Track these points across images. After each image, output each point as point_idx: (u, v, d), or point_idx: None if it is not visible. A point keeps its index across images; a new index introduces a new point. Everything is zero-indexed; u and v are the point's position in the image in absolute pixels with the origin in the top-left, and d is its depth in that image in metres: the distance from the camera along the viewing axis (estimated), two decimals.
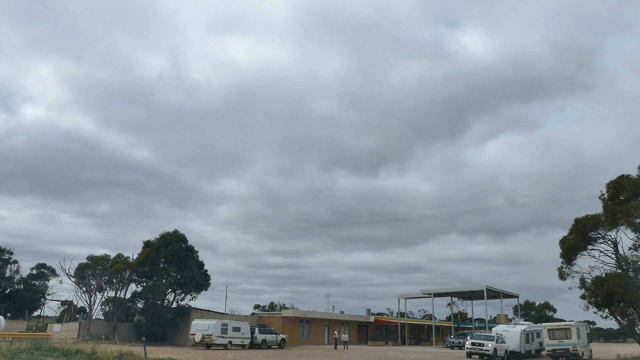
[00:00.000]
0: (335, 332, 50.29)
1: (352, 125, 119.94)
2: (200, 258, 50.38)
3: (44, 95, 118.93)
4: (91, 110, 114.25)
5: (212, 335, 39.02)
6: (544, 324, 39.39)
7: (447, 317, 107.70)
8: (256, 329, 45.10)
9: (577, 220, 35.37)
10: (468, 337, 56.67)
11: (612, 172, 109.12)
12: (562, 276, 36.81)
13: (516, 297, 65.87)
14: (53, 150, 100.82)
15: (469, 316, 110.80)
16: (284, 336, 47.64)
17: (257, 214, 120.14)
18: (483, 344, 34.69)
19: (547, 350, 36.82)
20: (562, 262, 36.37)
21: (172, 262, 47.26)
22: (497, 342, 35.53)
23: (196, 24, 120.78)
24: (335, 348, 46.41)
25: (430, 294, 62.16)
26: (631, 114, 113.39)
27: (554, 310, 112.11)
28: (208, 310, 50.21)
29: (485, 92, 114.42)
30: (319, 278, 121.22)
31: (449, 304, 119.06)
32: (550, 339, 37.02)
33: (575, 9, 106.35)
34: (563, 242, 36.05)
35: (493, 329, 40.31)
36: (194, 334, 39.60)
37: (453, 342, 53.77)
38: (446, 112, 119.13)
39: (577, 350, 36.62)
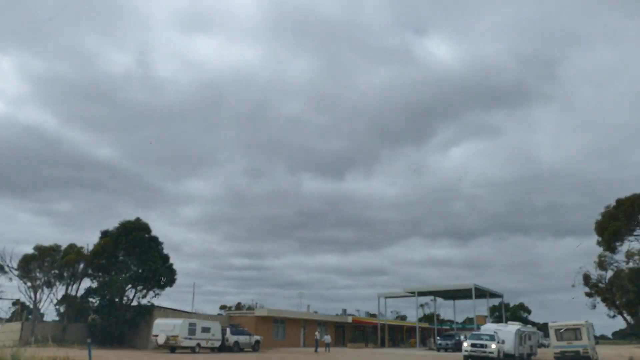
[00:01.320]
0: (316, 333, 45.77)
1: (319, 128, 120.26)
2: (165, 250, 45.11)
3: (2, 89, 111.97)
4: (53, 106, 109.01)
5: (177, 336, 33.97)
6: (550, 323, 35.64)
7: (419, 319, 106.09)
8: (227, 329, 40.23)
9: (621, 202, 31.42)
10: (461, 337, 53.04)
11: (568, 180, 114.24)
12: (603, 266, 33.70)
13: (501, 296, 62.82)
14: (11, 146, 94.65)
15: (440, 317, 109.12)
16: (258, 337, 42.83)
17: (223, 215, 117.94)
18: (485, 345, 30.46)
19: (555, 353, 33.00)
20: (603, 249, 32.38)
21: (133, 254, 41.85)
22: (498, 343, 31.57)
23: (164, 22, 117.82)
24: (316, 351, 41.91)
25: (413, 293, 58.29)
26: (588, 124, 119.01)
27: (529, 312, 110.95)
28: (173, 309, 44.97)
29: (450, 99, 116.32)
30: (284, 280, 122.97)
31: (422, 305, 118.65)
32: (557, 340, 33.33)
33: (538, 21, 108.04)
34: (602, 227, 32.15)
35: (483, 327, 36.07)
36: (157, 335, 34.44)
37: (440, 344, 49.98)
38: (412, 117, 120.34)
39: (588, 352, 33.11)
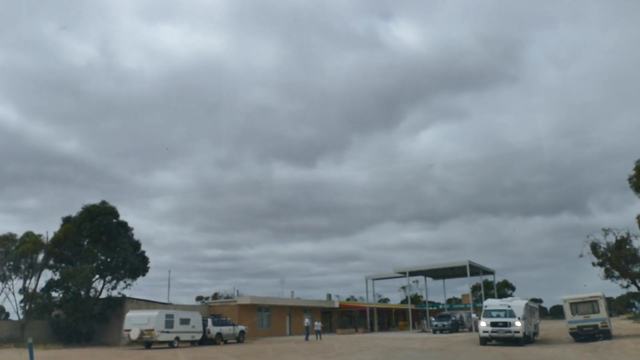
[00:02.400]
0: (306, 320, 42.22)
1: (289, 116, 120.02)
2: (137, 237, 40.83)
3: None
4: (14, 99, 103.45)
5: (153, 330, 29.97)
6: (563, 297, 32.76)
7: (401, 301, 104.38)
8: (209, 320, 36.38)
9: None
10: (472, 315, 50.08)
11: (535, 159, 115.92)
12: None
13: (492, 273, 60.24)
14: None
15: (423, 299, 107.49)
16: (243, 328, 39.13)
17: (194, 207, 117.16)
18: (509, 323, 25.82)
19: (571, 329, 29.98)
20: None
21: (100, 241, 37.47)
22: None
23: (127, 11, 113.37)
24: (307, 339, 38.41)
25: (404, 273, 55.17)
26: (553, 104, 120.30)
27: (513, 288, 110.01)
28: (147, 301, 40.77)
29: (418, 83, 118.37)
30: (259, 269, 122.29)
31: (403, 287, 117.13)
32: (573, 315, 30.44)
33: (501, 4, 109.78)
34: None
35: (487, 303, 30.90)
36: (129, 330, 30.34)
37: (436, 326, 47.05)
38: (381, 102, 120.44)
39: (607, 326, 30.40)
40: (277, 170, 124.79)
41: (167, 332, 30.88)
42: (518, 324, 25.77)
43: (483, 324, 26.46)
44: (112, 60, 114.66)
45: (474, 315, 39.80)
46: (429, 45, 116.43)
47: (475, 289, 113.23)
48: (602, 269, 37.34)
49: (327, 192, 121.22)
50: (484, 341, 26.50)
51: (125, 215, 40.24)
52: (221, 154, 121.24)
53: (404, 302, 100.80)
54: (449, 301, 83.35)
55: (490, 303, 29.91)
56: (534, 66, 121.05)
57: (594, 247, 37.59)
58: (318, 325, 40.41)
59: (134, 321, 30.72)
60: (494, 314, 27.24)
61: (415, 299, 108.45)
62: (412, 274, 55.57)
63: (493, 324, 26.08)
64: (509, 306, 28.39)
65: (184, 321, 32.80)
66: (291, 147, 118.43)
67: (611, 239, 36.90)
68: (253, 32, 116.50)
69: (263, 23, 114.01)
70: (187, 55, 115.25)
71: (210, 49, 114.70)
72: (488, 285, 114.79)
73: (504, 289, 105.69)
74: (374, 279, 61.64)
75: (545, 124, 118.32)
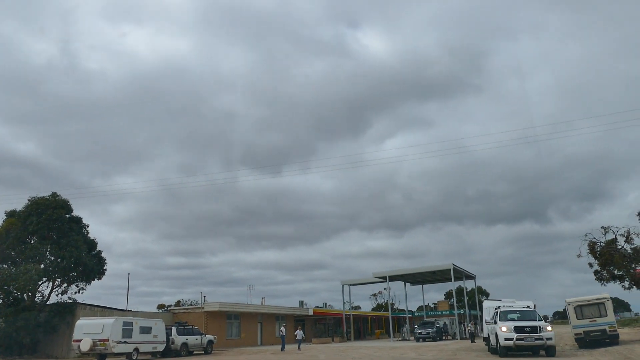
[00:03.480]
0: (282, 328, 38.46)
1: (255, 122, 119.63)
2: (92, 235, 36.37)
3: None
4: None
5: (108, 340, 25.73)
6: (567, 299, 30.08)
7: (372, 308, 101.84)
8: (173, 328, 32.33)
9: None
10: (441, 324, 47.23)
11: (499, 168, 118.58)
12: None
13: (474, 277, 57.74)
14: None
15: (395, 307, 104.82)
16: (211, 337, 35.16)
17: (157, 213, 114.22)
18: (539, 327, 20.25)
19: (576, 334, 27.26)
20: None
21: (48, 238, 32.92)
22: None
23: (89, 11, 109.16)
24: (283, 349, 34.66)
25: (384, 278, 51.98)
26: (515, 113, 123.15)
27: (487, 294, 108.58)
28: (103, 307, 36.25)
29: (385, 91, 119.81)
30: (222, 278, 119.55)
31: (374, 295, 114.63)
32: (578, 319, 27.73)
33: (466, 15, 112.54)
34: None
35: (488, 304, 28.32)
36: (79, 341, 25.98)
37: (420, 333, 43.96)
38: (348, 110, 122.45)
39: (615, 330, 27.81)
40: (242, 177, 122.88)
41: (125, 342, 26.70)
42: (549, 328, 20.61)
43: (503, 329, 20.48)
44: (74, 61, 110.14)
45: (489, 322, 36.99)
46: (396, 55, 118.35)
47: (448, 295, 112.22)
48: (593, 270, 35.34)
49: (293, 200, 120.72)
50: (506, 351, 20.72)
51: (84, 221, 36.10)
52: (185, 160, 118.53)
53: (375, 309, 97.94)
54: (420, 309, 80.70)
55: (488, 305, 27.19)
56: (498, 77, 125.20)
57: (592, 246, 35.26)
58: (300, 333, 36.78)
59: (86, 330, 26.40)
60: (512, 316, 22.16)
61: (386, 307, 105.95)
62: (392, 278, 52.42)
63: (518, 329, 20.28)
64: (528, 306, 25.24)
65: (145, 330, 28.66)
66: (257, 153, 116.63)
67: (611, 237, 34.71)
68: (220, 36, 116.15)
69: (230, 28, 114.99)
70: (152, 58, 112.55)
71: (176, 52, 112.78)
72: (461, 292, 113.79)
73: (477, 296, 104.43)
74: (350, 285, 58.26)
75: (508, 132, 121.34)
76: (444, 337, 47.16)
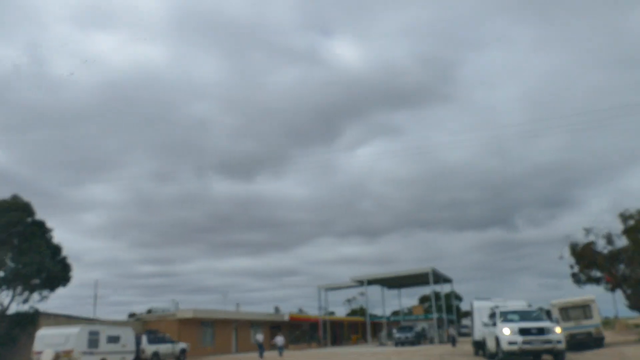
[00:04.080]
0: (259, 335, 37.07)
1: (228, 129, 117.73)
2: (57, 240, 34.34)
3: None
4: None
5: (72, 351, 24.03)
6: (552, 301, 29.59)
7: (346, 314, 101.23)
8: (143, 337, 30.70)
9: None
10: (420, 328, 46.38)
11: (469, 176, 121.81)
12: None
13: (450, 281, 57.30)
14: None
15: (369, 312, 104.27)
16: (184, 345, 33.59)
17: (128, 221, 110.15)
18: (547, 329, 17.69)
19: None
20: None
21: (8, 243, 30.82)
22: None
23: (58, 16, 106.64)
24: (261, 356, 33.28)
25: (362, 282, 51.01)
26: (483, 123, 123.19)
27: (460, 299, 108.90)
28: (67, 316, 34.25)
29: (357, 100, 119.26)
30: (195, 286, 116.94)
31: (348, 300, 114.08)
32: (564, 321, 27.24)
33: (436, 26, 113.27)
34: None
35: (477, 305, 25.16)
36: (40, 352, 24.19)
37: (399, 338, 43.10)
38: (321, 118, 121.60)
39: (601, 333, 27.39)
40: (215, 184, 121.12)
41: (91, 353, 25.01)
42: (558, 330, 18.03)
43: (506, 331, 17.75)
44: (42, 68, 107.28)
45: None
46: (368, 64, 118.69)
47: (422, 300, 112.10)
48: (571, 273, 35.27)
49: (266, 207, 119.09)
50: (509, 357, 17.94)
51: (54, 230, 34.31)
52: (157, 167, 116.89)
53: (349, 315, 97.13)
54: (396, 313, 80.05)
55: (480, 306, 24.59)
56: (467, 86, 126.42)
57: (574, 248, 34.96)
58: (280, 340, 35.47)
59: (48, 340, 24.63)
60: (513, 317, 19.26)
61: (360, 312, 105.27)
62: (370, 282, 51.50)
63: (524, 332, 17.50)
64: (530, 305, 23.30)
65: (113, 339, 26.98)
66: (230, 161, 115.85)
67: (592, 239, 34.44)
68: (193, 44, 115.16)
69: (203, 35, 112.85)
70: (124, 64, 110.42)
71: (149, 59, 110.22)
72: (436, 296, 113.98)
73: (451, 299, 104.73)
74: (327, 289, 57.12)
75: (477, 141, 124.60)
76: (422, 342, 46.42)
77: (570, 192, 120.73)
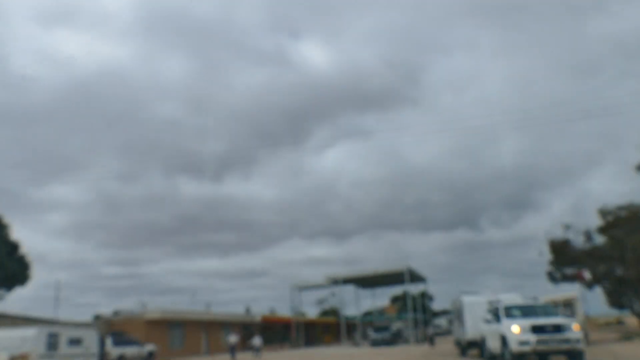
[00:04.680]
0: (232, 336, 35.57)
1: (196, 130, 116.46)
2: (15, 236, 32.14)
3: None
4: None
5: (29, 354, 22.05)
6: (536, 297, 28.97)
7: (318, 314, 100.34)
8: (108, 339, 28.86)
9: None
10: (396, 328, 45.43)
11: (435, 178, 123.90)
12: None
13: (425, 280, 56.67)
14: None
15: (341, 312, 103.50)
16: (152, 347, 31.83)
17: (94, 222, 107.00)
18: (564, 326, 14.82)
19: None
20: None
21: None
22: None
23: (21, 14, 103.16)
24: (233, 358, 31.76)
25: (337, 281, 49.89)
26: (449, 126, 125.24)
27: (431, 299, 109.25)
28: (25, 317, 32.01)
29: (325, 102, 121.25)
30: (162, 287, 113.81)
31: (320, 300, 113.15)
32: None
33: (403, 30, 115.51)
34: None
35: (470, 299, 22.52)
36: None
37: (375, 339, 42.16)
38: (289, 120, 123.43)
39: (586, 330, 26.85)
40: (182, 185, 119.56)
41: (50, 356, 23.04)
42: (576, 327, 15.15)
43: (515, 329, 14.86)
44: (4, 66, 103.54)
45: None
46: (336, 66, 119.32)
47: (394, 300, 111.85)
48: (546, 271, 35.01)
49: (234, 208, 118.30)
50: (518, 359, 14.94)
51: (16, 232, 32.19)
52: (124, 168, 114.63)
53: (320, 315, 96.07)
54: (368, 313, 79.47)
55: (478, 300, 21.75)
56: (433, 90, 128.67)
57: (553, 245, 34.60)
58: (258, 340, 34.26)
59: (3, 343, 22.57)
60: (517, 312, 16.46)
61: (332, 313, 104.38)
62: (345, 281, 50.41)
63: (537, 329, 14.62)
64: (536, 297, 21.23)
65: (74, 341, 25.02)
66: (198, 161, 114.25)
67: (571, 235, 34.15)
68: (160, 43, 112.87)
69: (171, 35, 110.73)
70: (89, 63, 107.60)
71: (114, 58, 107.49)
72: (412, 295, 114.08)
73: (421, 299, 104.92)
74: (300, 288, 55.78)
75: (443, 144, 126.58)
76: (398, 342, 45.59)
77: (533, 195, 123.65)
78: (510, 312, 16.49)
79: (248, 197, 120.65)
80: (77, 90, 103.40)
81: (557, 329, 14.74)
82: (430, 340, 36.33)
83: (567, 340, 14.50)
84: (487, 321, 17.51)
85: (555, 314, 16.61)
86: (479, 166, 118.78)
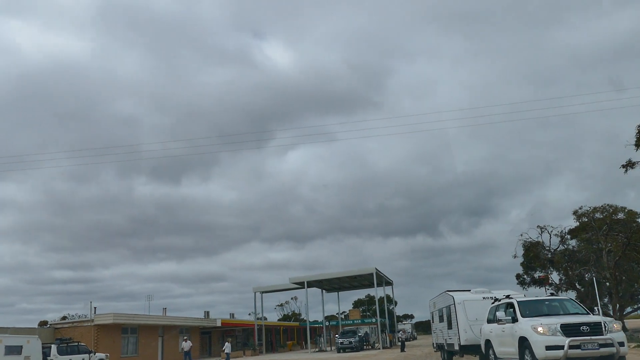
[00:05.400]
0: (184, 341, 33.29)
1: (154, 130, 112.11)
2: None
3: None
4: None
5: None
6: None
7: (278, 319, 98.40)
8: (52, 347, 26.05)
9: None
10: (363, 332, 43.92)
11: (396, 183, 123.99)
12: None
13: (392, 283, 55.47)
14: None
15: (301, 317, 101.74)
16: (102, 355, 29.13)
17: (42, 223, 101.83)
18: (602, 325, 11.59)
19: None
20: None
21: None
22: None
23: None
24: None
25: (301, 284, 47.93)
26: (412, 131, 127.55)
27: (395, 303, 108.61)
28: None
29: (288, 104, 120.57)
30: (115, 292, 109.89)
31: (280, 304, 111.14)
32: None
33: (367, 35, 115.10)
34: None
35: (455, 296, 19.11)
36: None
37: (342, 343, 40.44)
38: (251, 121, 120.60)
39: None
40: (138, 186, 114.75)
41: None
42: (617, 326, 12.00)
43: (540, 330, 11.76)
44: None
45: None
46: (300, 68, 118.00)
47: (357, 304, 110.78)
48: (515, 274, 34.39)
49: (192, 211, 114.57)
50: None
51: None
52: (76, 167, 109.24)
53: (281, 320, 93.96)
54: (328, 318, 77.99)
55: (474, 297, 18.62)
56: (396, 95, 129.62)
57: (528, 247, 33.81)
58: (228, 346, 32.50)
59: None
60: (539, 309, 13.38)
61: (293, 317, 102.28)
62: (310, 284, 48.54)
63: (569, 330, 11.52)
64: (552, 293, 18.68)
65: (13, 350, 22.34)
66: (155, 162, 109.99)
67: (546, 238, 33.46)
68: (119, 38, 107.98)
69: (130, 30, 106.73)
70: (39, 56, 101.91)
71: (69, 52, 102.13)
72: (371, 300, 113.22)
73: (385, 304, 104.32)
74: (262, 292, 53.52)
75: (404, 149, 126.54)
76: (365, 347, 44.06)
77: (491, 202, 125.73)
78: (529, 308, 13.24)
79: (207, 200, 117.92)
80: (27, 85, 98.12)
81: (594, 329, 11.52)
82: (402, 345, 34.93)
83: (608, 344, 11.33)
84: (497, 321, 13.79)
85: (584, 312, 13.27)
86: (439, 172, 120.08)
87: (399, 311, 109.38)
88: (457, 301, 18.53)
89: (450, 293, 19.76)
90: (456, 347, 18.49)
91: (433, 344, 24.71)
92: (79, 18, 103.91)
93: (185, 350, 32.67)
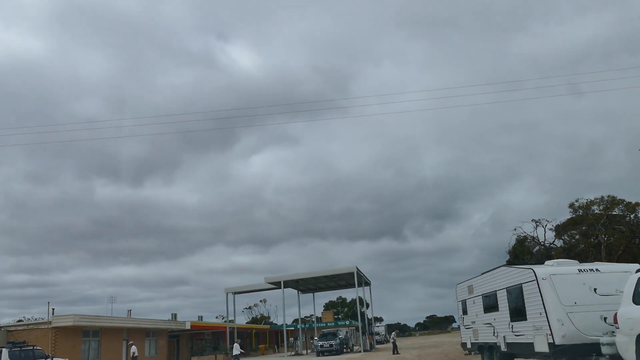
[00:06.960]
0: (131, 346, 30.87)
1: (116, 131, 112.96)
2: None
3: None
4: None
5: None
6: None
7: (246, 322, 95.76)
8: (4, 351, 23.04)
9: None
10: (343, 335, 41.88)
11: (361, 187, 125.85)
12: None
13: (369, 284, 53.64)
14: None
15: (270, 320, 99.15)
16: None
17: None
18: None
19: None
20: None
21: None
22: None
23: None
24: None
25: (277, 284, 45.42)
26: (377, 135, 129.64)
27: (367, 305, 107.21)
28: None
29: (252, 106, 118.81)
30: (74, 296, 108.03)
31: (249, 307, 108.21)
32: None
33: (334, 38, 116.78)
34: None
35: (536, 269, 12.68)
36: None
37: (322, 346, 38.23)
38: (215, 123, 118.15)
39: None
40: (99, 188, 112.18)
41: None
42: None
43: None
44: None
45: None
46: (265, 71, 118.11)
47: (328, 306, 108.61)
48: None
49: (155, 213, 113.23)
50: None
51: None
52: (34, 168, 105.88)
53: (249, 323, 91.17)
54: (296, 321, 75.84)
55: (567, 272, 12.41)
56: (361, 99, 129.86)
57: (522, 242, 32.35)
58: (237, 347, 30.41)
59: None
60: None
61: (262, 320, 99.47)
62: (286, 284, 46.09)
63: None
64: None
65: None
66: (117, 164, 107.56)
67: (541, 232, 32.05)
68: (80, 38, 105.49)
69: (92, 30, 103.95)
70: None
71: (28, 51, 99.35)
72: (342, 303, 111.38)
73: (356, 306, 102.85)
74: (235, 293, 50.74)
75: (370, 153, 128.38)
76: (345, 350, 41.91)
77: (454, 205, 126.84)
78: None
79: (170, 202, 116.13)
80: None
81: None
82: (394, 347, 32.88)
83: None
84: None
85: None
86: (404, 176, 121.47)
87: (369, 314, 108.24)
88: (541, 275, 12.25)
89: (520, 267, 13.86)
90: (541, 349, 12.21)
91: (465, 344, 19.10)
92: (40, 17, 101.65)
93: (134, 355, 30.39)
